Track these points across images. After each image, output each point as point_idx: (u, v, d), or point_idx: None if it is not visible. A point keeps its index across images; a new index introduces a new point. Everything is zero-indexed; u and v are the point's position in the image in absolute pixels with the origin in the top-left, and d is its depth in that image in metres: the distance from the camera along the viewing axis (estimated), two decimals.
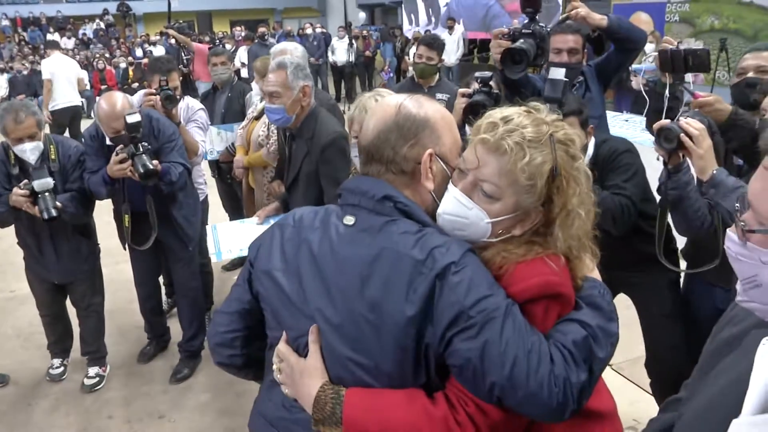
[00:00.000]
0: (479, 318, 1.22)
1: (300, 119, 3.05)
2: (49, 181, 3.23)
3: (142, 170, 3.23)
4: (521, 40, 2.80)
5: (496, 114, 1.37)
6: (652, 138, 2.44)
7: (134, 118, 3.20)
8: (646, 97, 2.69)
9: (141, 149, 3.26)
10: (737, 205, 0.87)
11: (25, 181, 3.24)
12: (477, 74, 2.85)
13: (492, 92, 2.77)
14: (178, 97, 3.93)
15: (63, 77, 9.30)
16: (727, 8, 9.82)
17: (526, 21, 2.88)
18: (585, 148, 2.61)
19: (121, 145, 3.27)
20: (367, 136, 1.41)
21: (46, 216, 3.19)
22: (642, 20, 10.78)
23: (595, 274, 1.43)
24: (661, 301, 2.79)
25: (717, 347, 1.07)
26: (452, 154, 1.41)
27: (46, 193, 3.22)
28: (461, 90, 2.95)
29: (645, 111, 2.89)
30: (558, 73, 2.56)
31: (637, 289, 2.84)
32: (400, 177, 1.39)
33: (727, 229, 0.89)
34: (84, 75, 10.63)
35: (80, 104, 10.00)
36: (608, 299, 1.38)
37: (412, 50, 9.15)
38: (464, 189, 1.36)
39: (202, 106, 4.39)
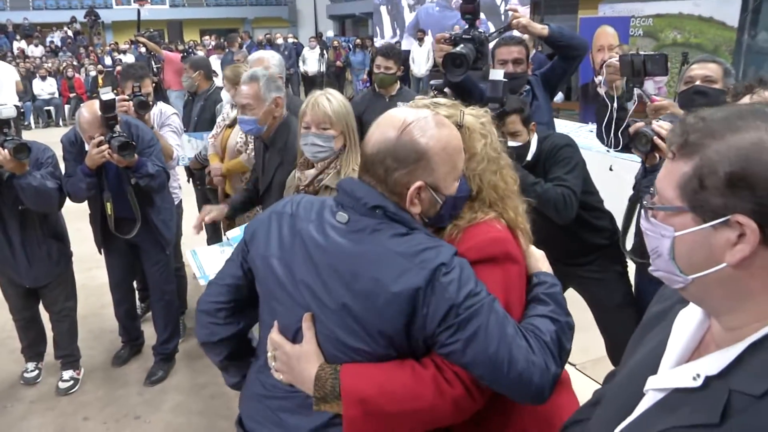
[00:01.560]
0: (466, 314, 1.33)
1: (272, 129, 3.15)
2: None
3: (117, 144, 3.29)
4: (461, 45, 2.97)
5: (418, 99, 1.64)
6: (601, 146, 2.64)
7: (108, 95, 3.29)
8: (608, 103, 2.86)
9: (116, 132, 3.33)
10: (652, 189, 1.00)
11: None
12: (432, 82, 3.05)
13: (468, 46, 2.96)
14: (150, 103, 3.99)
15: (1, 82, 9.84)
16: (689, 24, 10.17)
17: (466, 27, 3.05)
18: (528, 145, 2.77)
19: (99, 134, 3.34)
20: (368, 146, 1.46)
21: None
22: (608, 33, 11.05)
23: (546, 268, 1.58)
24: (609, 294, 2.93)
25: (646, 322, 1.20)
26: (446, 183, 1.44)
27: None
28: (418, 97, 3.10)
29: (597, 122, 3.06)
30: (497, 74, 2.70)
31: (585, 282, 2.98)
32: (390, 195, 1.44)
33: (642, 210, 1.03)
34: (18, 78, 11.18)
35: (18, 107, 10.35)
36: (562, 295, 1.54)
37: None
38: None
39: (175, 111, 4.45)
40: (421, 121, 1.43)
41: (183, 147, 4.67)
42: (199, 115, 5.01)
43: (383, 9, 18.57)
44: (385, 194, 1.44)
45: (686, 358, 1.01)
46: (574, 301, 3.15)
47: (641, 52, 2.76)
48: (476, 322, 1.33)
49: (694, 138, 0.91)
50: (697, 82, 2.81)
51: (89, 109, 3.37)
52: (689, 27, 10.21)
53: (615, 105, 2.82)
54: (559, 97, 13.27)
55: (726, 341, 0.93)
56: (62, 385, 3.81)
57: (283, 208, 1.58)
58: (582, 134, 6.78)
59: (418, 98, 1.71)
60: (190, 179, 5.14)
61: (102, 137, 3.33)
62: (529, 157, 2.77)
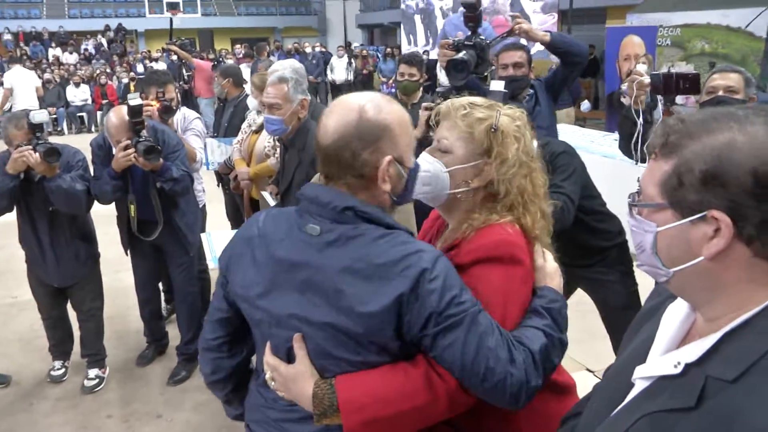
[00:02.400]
0: (446, 323, 1.34)
1: (294, 130, 3.22)
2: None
3: (143, 148, 3.38)
4: (463, 52, 3.07)
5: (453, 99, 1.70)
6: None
7: (136, 101, 3.38)
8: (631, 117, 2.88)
9: (143, 137, 3.43)
10: (638, 187, 1.06)
11: None
12: (438, 89, 3.14)
13: (470, 52, 3.07)
14: (174, 108, 4.09)
15: (23, 87, 11.03)
16: (717, 34, 10.07)
17: (469, 33, 3.19)
18: None
19: (126, 138, 3.43)
20: (327, 136, 1.43)
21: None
22: (634, 43, 10.99)
23: (557, 285, 1.57)
24: (614, 295, 2.98)
25: (639, 317, 1.24)
26: (407, 155, 1.47)
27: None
28: (424, 104, 3.31)
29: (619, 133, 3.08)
30: (498, 86, 2.76)
31: (591, 284, 3.03)
32: (358, 180, 1.44)
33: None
34: (39, 84, 12.40)
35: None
36: (565, 313, 1.54)
37: None
38: (429, 150, 1.66)
39: (198, 115, 4.55)
40: (374, 99, 1.45)
41: (212, 152, 4.76)
42: (229, 121, 5.12)
43: (417, 18, 18.66)
44: (351, 187, 1.44)
45: (672, 349, 1.05)
46: (590, 309, 3.17)
47: (673, 70, 2.73)
48: (455, 334, 1.34)
49: (673, 139, 0.97)
50: (720, 93, 2.81)
51: (117, 114, 3.48)
52: (717, 37, 10.13)
53: (641, 120, 2.80)
54: (586, 106, 13.22)
55: (706, 331, 0.98)
56: (87, 383, 3.90)
57: (250, 231, 1.55)
58: (607, 143, 6.75)
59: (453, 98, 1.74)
60: (220, 184, 5.23)
61: (129, 141, 3.42)
62: None
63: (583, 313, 3.37)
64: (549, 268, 1.59)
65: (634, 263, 2.85)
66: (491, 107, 1.62)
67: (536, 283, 1.55)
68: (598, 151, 6.48)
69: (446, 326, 1.34)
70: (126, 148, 3.42)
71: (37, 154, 3.34)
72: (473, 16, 3.17)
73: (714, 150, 0.92)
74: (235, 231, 3.65)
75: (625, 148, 2.97)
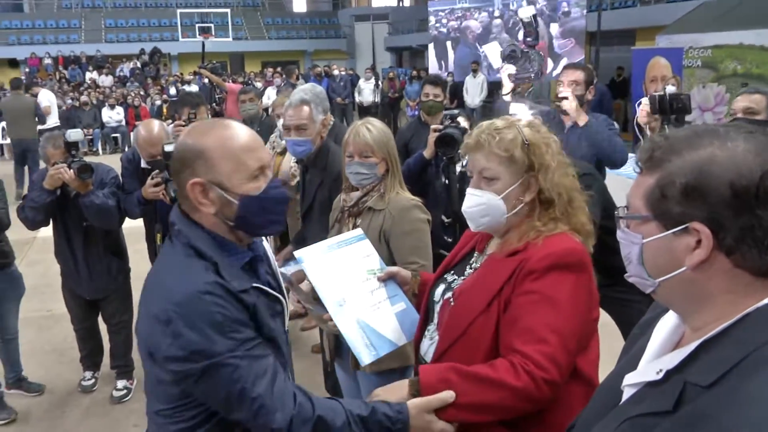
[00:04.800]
0: (175, 375, 1.40)
1: (315, 151, 3.27)
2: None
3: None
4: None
5: (473, 130, 1.77)
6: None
7: (171, 148, 3.47)
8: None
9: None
10: (626, 202, 1.11)
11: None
12: (445, 112, 3.33)
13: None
14: None
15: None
16: (750, 54, 9.97)
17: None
18: None
19: (157, 171, 3.55)
20: None
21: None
22: (661, 65, 10.97)
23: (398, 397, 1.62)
24: (637, 314, 2.94)
25: (637, 330, 1.29)
26: (233, 180, 1.46)
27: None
28: (433, 126, 3.51)
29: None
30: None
31: (613, 303, 3.04)
32: (187, 201, 1.49)
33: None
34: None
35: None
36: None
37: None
38: (474, 184, 1.73)
39: None
40: (206, 123, 1.52)
41: None
42: None
43: (449, 44, 18.87)
44: (188, 207, 1.50)
45: (658, 356, 1.09)
46: (612, 330, 3.18)
47: (668, 92, 2.92)
48: (183, 385, 1.41)
49: (658, 154, 1.01)
50: (739, 114, 2.85)
51: (146, 128, 3.65)
52: (750, 57, 10.00)
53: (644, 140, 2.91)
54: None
55: (692, 341, 1.02)
56: (116, 393, 4.03)
57: None
58: (633, 164, 6.74)
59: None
60: None
61: (160, 179, 3.54)
62: None
63: (605, 334, 3.37)
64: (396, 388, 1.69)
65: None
66: (510, 125, 1.70)
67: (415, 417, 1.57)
68: (624, 172, 6.49)
69: (176, 378, 1.41)
70: (157, 184, 3.54)
71: (72, 170, 3.50)
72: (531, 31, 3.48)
73: (695, 164, 0.96)
74: None
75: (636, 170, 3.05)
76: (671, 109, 2.84)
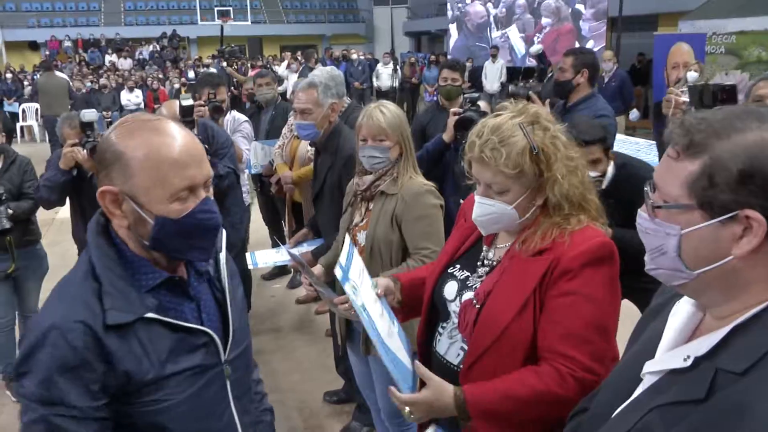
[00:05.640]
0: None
1: (326, 134, 3.26)
2: None
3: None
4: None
5: (473, 133, 1.67)
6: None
7: (188, 102, 3.52)
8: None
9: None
10: (647, 187, 1.05)
11: None
12: (465, 95, 3.33)
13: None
14: (224, 108, 4.24)
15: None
16: None
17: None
18: (604, 174, 2.84)
19: None
20: None
21: None
22: (683, 51, 10.85)
23: None
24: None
25: (647, 315, 1.27)
26: (150, 196, 1.26)
27: None
28: (453, 109, 3.53)
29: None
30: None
31: (639, 294, 2.98)
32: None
33: (638, 209, 1.08)
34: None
35: None
36: None
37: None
38: (483, 193, 1.66)
39: (246, 118, 4.72)
40: (139, 121, 1.31)
41: (256, 155, 4.87)
42: (271, 124, 5.23)
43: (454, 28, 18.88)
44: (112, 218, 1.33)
45: (680, 345, 1.06)
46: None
47: (711, 82, 2.74)
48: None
49: (699, 138, 0.95)
50: (752, 102, 2.76)
51: (168, 108, 3.67)
52: None
53: None
54: (635, 115, 12.97)
55: (714, 327, 0.99)
56: None
57: None
58: (653, 151, 6.66)
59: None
60: (260, 187, 5.33)
61: None
62: (604, 185, 2.82)
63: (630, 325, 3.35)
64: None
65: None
66: (513, 126, 1.62)
67: None
68: (644, 159, 6.43)
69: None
70: None
71: (85, 150, 3.51)
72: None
73: (747, 149, 0.91)
74: (276, 249, 3.79)
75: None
76: (716, 101, 2.63)
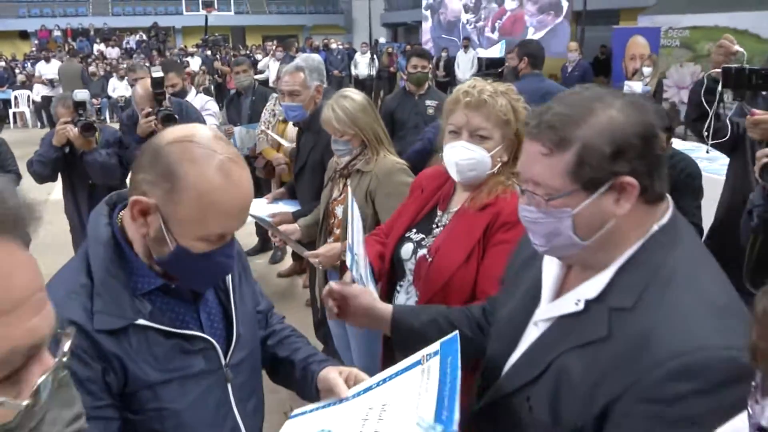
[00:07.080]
0: None
1: (311, 115, 3.34)
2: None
3: (162, 116, 3.59)
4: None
5: (463, 86, 1.83)
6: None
7: (159, 74, 3.73)
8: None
9: (163, 107, 3.67)
10: (523, 186, 1.13)
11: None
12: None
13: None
14: (173, 95, 4.35)
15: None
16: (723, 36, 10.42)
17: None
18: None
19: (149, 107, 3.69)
20: None
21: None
22: (639, 43, 11.44)
23: None
24: None
25: (516, 268, 1.35)
26: (184, 228, 1.18)
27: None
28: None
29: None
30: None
31: None
32: (129, 209, 1.22)
33: (519, 205, 1.14)
34: None
35: None
36: None
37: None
38: (467, 139, 1.77)
39: (210, 98, 5.16)
40: (208, 151, 1.17)
41: (242, 140, 5.00)
42: (252, 110, 5.39)
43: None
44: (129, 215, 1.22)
45: (556, 293, 1.17)
46: None
47: (746, 65, 2.56)
48: None
49: (564, 132, 1.04)
50: None
51: (142, 86, 3.78)
52: None
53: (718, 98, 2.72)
54: None
55: (582, 277, 1.11)
56: None
57: None
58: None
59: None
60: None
61: (150, 109, 3.64)
62: None
63: None
64: None
65: None
66: (497, 92, 1.77)
67: None
68: (710, 168, 5.97)
69: None
70: (148, 115, 3.63)
71: (77, 128, 3.72)
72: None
73: (605, 129, 1.01)
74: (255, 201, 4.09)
75: (692, 126, 2.97)
76: (750, 84, 2.51)
